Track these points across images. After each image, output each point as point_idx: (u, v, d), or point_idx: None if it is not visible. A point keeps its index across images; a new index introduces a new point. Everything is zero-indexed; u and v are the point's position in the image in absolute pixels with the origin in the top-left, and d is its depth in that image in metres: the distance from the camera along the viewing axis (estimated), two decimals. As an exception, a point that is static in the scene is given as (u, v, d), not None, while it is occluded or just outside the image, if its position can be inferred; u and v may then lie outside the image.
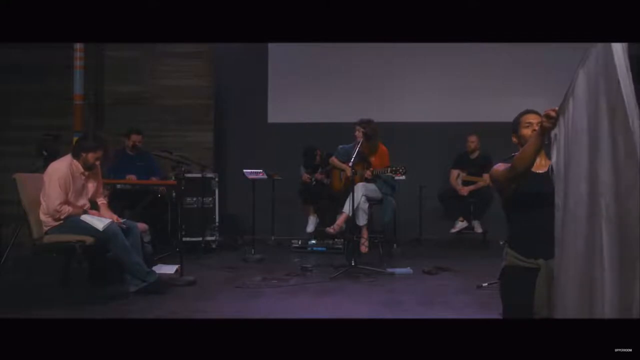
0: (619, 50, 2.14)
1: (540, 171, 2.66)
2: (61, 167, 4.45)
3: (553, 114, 2.39)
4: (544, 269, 2.56)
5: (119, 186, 5.93)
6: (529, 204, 2.63)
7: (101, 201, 4.75)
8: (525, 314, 2.57)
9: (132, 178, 6.17)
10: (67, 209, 4.36)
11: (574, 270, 2.35)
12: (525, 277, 2.59)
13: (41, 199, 4.40)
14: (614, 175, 2.15)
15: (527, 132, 2.67)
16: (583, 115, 2.30)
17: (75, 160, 4.53)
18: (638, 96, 2.15)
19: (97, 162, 4.61)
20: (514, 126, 2.75)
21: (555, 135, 2.52)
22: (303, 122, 8.04)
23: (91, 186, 4.64)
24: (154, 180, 6.34)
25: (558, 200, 2.45)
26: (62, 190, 4.37)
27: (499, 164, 2.78)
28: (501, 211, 2.80)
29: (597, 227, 2.19)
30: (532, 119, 2.68)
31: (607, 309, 2.16)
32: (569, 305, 2.39)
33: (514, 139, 2.76)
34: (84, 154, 4.51)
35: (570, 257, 2.39)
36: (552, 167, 2.67)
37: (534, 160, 2.53)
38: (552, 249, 2.57)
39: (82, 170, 4.54)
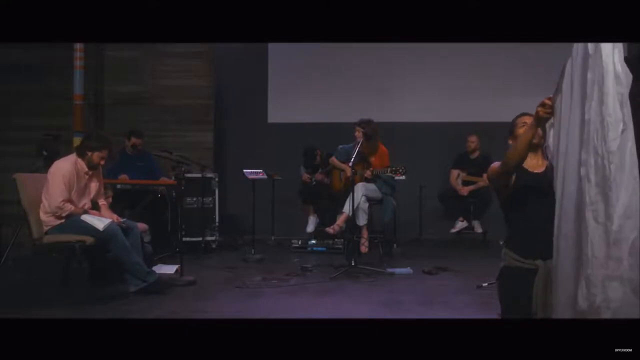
0: (607, 47, 2.15)
1: (538, 171, 2.67)
2: (66, 166, 4.45)
3: (548, 102, 2.40)
4: (542, 270, 2.55)
5: (119, 186, 5.93)
6: (526, 204, 2.64)
7: (102, 202, 4.75)
8: (524, 314, 2.57)
9: (124, 178, 6.15)
10: (69, 207, 4.36)
11: (564, 269, 2.34)
12: (524, 278, 2.59)
13: (43, 197, 4.40)
14: (598, 171, 2.15)
15: (522, 131, 2.67)
16: (577, 104, 2.30)
17: (80, 159, 4.54)
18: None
19: (102, 162, 4.61)
20: (511, 128, 2.78)
21: (552, 124, 2.52)
22: (303, 122, 8.04)
23: (94, 186, 4.65)
24: (160, 180, 6.33)
25: (556, 194, 2.45)
26: (65, 188, 4.37)
27: (495, 162, 2.79)
28: (501, 211, 2.80)
29: (583, 224, 2.19)
30: (528, 119, 2.68)
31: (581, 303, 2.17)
32: (560, 304, 2.39)
33: (510, 141, 2.77)
34: (89, 153, 4.52)
35: (560, 254, 2.39)
36: (549, 167, 2.67)
37: (526, 153, 2.55)
38: (551, 249, 2.56)
39: (86, 169, 4.54)
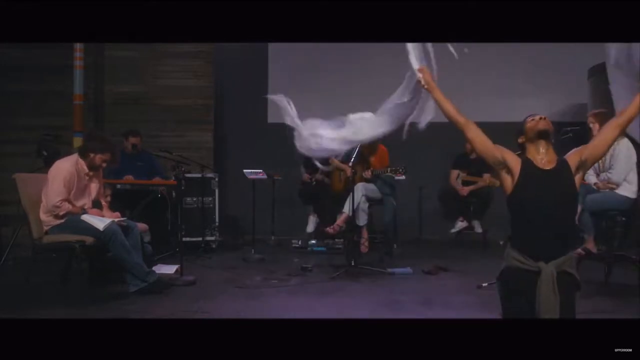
0: None
1: (547, 167, 2.61)
2: (66, 166, 4.45)
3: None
4: (545, 271, 2.50)
5: (118, 186, 5.92)
6: (531, 201, 2.57)
7: (103, 202, 4.75)
8: (527, 312, 2.53)
9: (129, 178, 6.15)
10: (67, 206, 4.36)
11: None
12: (524, 280, 2.54)
13: (42, 196, 4.40)
14: None
15: (532, 123, 2.69)
16: None
17: (81, 160, 4.53)
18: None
19: (103, 165, 4.61)
20: (520, 129, 2.75)
21: None
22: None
23: (94, 187, 4.64)
24: (155, 180, 6.33)
25: None
26: (65, 188, 4.37)
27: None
28: (501, 211, 2.79)
29: None
30: (536, 115, 2.72)
31: None
32: None
33: (520, 140, 2.74)
34: (91, 155, 4.52)
35: None
36: (562, 163, 2.62)
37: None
38: (555, 249, 2.54)
39: (86, 170, 4.54)
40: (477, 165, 7.11)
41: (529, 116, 2.76)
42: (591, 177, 4.96)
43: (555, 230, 2.55)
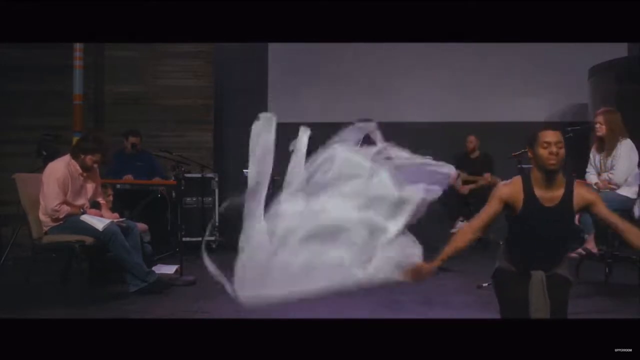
0: None
1: (550, 204, 2.59)
2: (59, 168, 4.44)
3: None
4: (535, 276, 2.60)
5: (118, 186, 5.92)
6: (530, 231, 2.63)
7: (102, 201, 4.75)
8: (521, 314, 2.58)
9: (129, 178, 6.15)
10: (66, 209, 4.36)
11: None
12: (517, 281, 2.64)
13: (40, 199, 4.40)
14: None
15: (543, 152, 2.55)
16: None
17: (73, 161, 4.53)
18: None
19: (95, 165, 4.60)
20: (531, 141, 2.63)
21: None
22: (303, 122, 8.02)
23: (90, 187, 4.64)
24: (155, 180, 6.33)
25: None
26: (60, 190, 4.36)
27: (500, 189, 2.70)
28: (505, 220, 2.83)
29: None
30: (551, 137, 2.56)
31: None
32: None
33: (530, 154, 2.66)
34: (82, 156, 4.51)
35: None
36: (567, 195, 2.59)
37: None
38: (546, 265, 2.61)
39: (80, 170, 4.54)
40: (478, 165, 7.11)
41: (543, 134, 2.58)
42: (592, 177, 4.94)
43: (548, 254, 2.64)
